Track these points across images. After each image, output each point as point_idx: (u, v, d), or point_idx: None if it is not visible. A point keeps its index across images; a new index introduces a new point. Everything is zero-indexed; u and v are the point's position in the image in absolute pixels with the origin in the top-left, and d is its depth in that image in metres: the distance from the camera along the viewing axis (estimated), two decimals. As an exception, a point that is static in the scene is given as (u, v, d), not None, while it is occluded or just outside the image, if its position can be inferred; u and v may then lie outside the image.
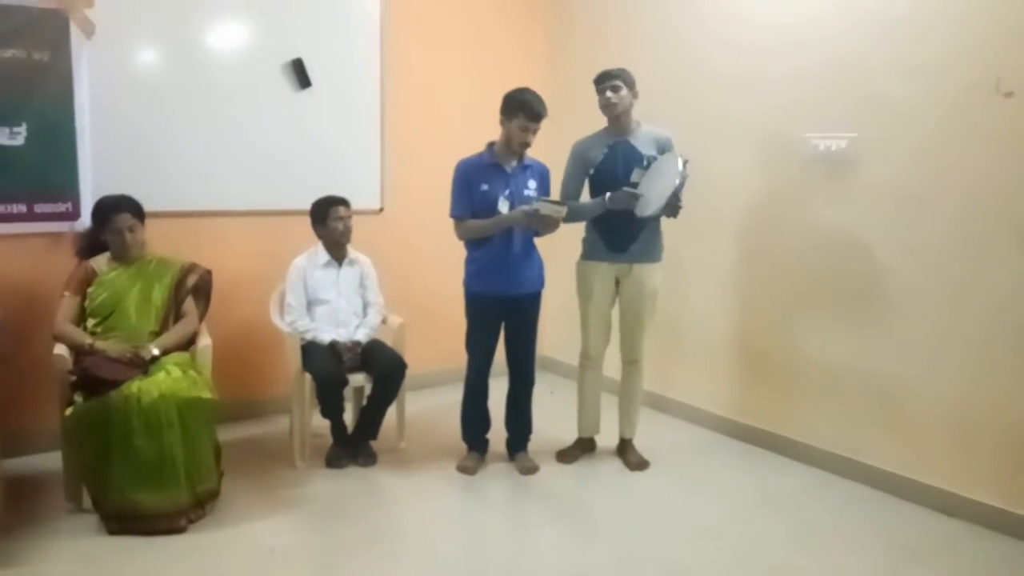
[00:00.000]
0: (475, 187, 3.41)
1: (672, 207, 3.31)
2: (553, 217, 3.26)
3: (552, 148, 3.78)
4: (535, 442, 3.76)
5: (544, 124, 3.40)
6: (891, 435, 3.46)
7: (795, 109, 3.71)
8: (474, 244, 3.50)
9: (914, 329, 3.35)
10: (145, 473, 2.86)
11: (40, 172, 3.51)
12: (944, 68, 3.17)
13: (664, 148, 3.51)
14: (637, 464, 3.71)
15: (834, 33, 3.53)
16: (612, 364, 3.78)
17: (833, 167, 3.58)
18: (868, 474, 3.52)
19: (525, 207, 3.31)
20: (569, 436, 3.87)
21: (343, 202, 3.73)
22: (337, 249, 3.74)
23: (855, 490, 3.51)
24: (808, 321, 3.75)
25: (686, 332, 4.35)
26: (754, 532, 3.13)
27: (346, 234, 3.73)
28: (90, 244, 3.34)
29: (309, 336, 3.63)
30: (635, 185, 3.40)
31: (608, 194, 3.40)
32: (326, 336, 3.63)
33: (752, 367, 4.05)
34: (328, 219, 3.68)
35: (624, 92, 3.45)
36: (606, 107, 3.46)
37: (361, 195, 4.23)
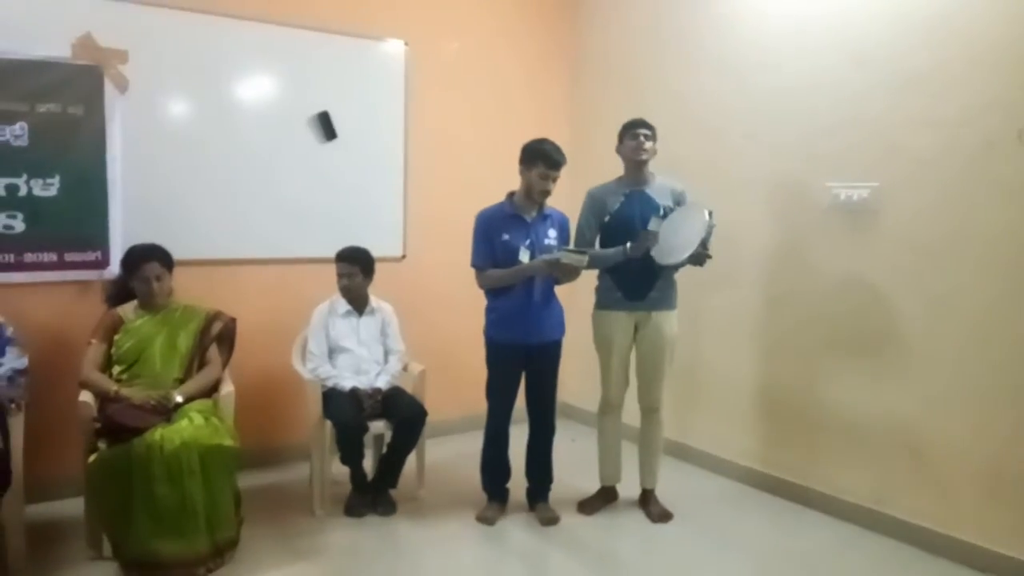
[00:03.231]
0: (496, 237, 3.44)
1: (699, 257, 3.32)
2: (574, 266, 3.28)
3: (571, 197, 3.81)
4: (556, 491, 3.72)
5: (562, 173, 3.45)
6: (919, 487, 3.39)
7: (817, 158, 3.73)
8: (495, 293, 3.52)
9: (939, 378, 3.30)
10: (166, 521, 2.87)
11: (71, 222, 3.60)
12: (966, 119, 3.18)
13: (679, 200, 3.54)
14: (659, 515, 3.66)
15: (857, 86, 3.55)
16: (633, 413, 3.75)
17: (855, 216, 3.58)
18: (896, 528, 3.44)
19: (546, 256, 3.33)
20: (590, 485, 3.83)
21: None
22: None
23: (883, 545, 3.42)
24: (831, 370, 3.71)
25: (706, 380, 4.32)
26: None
27: (351, 290, 3.74)
28: (118, 292, 3.40)
29: (330, 383, 3.64)
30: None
31: (628, 244, 3.41)
32: (347, 383, 3.65)
33: (774, 416, 4.00)
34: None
35: (652, 144, 3.50)
36: (636, 151, 3.49)
37: (384, 242, 4.31)
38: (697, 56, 4.33)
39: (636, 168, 3.53)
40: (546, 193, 3.43)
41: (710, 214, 3.30)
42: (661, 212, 3.47)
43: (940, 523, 3.31)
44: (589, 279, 3.64)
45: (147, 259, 3.30)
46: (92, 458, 2.94)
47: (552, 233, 3.50)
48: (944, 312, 3.28)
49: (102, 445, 2.96)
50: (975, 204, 3.17)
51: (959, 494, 3.25)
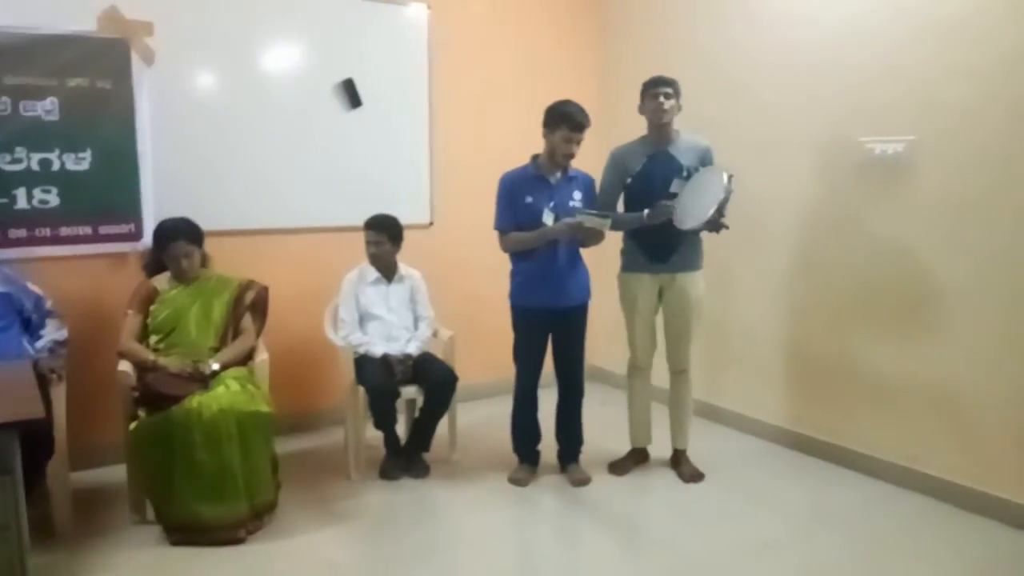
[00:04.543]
0: (519, 200, 3.43)
1: (715, 223, 3.27)
2: (597, 229, 3.25)
3: (599, 158, 3.77)
4: (587, 454, 3.75)
5: (589, 135, 3.41)
6: (954, 445, 3.35)
7: (850, 113, 3.64)
8: (519, 257, 3.51)
9: (976, 336, 3.25)
10: (206, 485, 2.94)
11: (104, 195, 3.66)
12: (1006, 71, 3.08)
13: (704, 158, 3.49)
14: (691, 476, 3.67)
15: (891, 37, 3.46)
16: (662, 374, 3.75)
17: (890, 171, 3.50)
18: (931, 485, 3.42)
19: (569, 219, 3.31)
20: (621, 447, 3.85)
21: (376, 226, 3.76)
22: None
23: (918, 502, 3.40)
24: (864, 329, 3.67)
25: (736, 340, 4.29)
26: (814, 546, 3.07)
27: (379, 258, 3.77)
28: (155, 261, 3.46)
29: (362, 350, 3.68)
30: (674, 196, 3.37)
31: (647, 211, 3.37)
32: (378, 349, 3.68)
33: (807, 376, 3.97)
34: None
35: (674, 101, 3.44)
36: (656, 112, 3.43)
37: (411, 210, 4.31)
38: (729, 10, 4.23)
39: (659, 128, 3.48)
40: (570, 156, 3.40)
41: (729, 179, 3.23)
42: (684, 173, 3.43)
43: (977, 480, 3.27)
44: (617, 241, 3.62)
45: (174, 238, 3.34)
46: (133, 426, 3.02)
47: (577, 195, 3.48)
48: (981, 268, 3.21)
49: (141, 413, 3.04)
50: (1015, 158, 3.08)
51: (997, 452, 3.21)
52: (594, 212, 3.29)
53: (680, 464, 3.74)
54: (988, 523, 3.19)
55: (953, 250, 3.31)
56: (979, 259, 3.22)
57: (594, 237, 3.33)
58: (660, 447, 3.83)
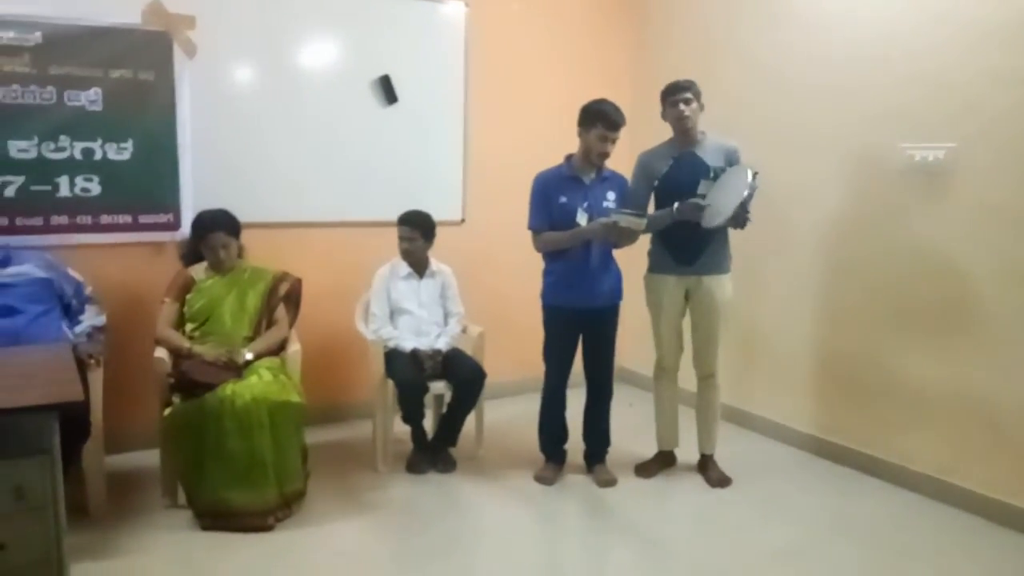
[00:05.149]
0: (553, 199, 3.43)
1: (739, 218, 3.25)
2: (632, 229, 3.25)
3: (632, 159, 3.76)
4: (614, 455, 3.74)
5: (624, 136, 3.40)
6: (990, 458, 3.29)
7: (891, 118, 3.59)
8: (552, 256, 3.52)
9: (1015, 348, 3.19)
10: (237, 472, 2.99)
11: (144, 185, 3.72)
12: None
13: (731, 158, 3.46)
14: (718, 481, 3.64)
15: (934, 43, 3.40)
16: (691, 378, 3.73)
17: (929, 178, 3.44)
18: (964, 498, 3.36)
19: (603, 219, 3.30)
20: (648, 450, 3.83)
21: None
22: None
23: (950, 515, 3.35)
24: (898, 336, 3.62)
25: (767, 346, 4.25)
26: (837, 557, 3.02)
27: (411, 253, 3.79)
28: (192, 251, 3.51)
29: (392, 344, 3.71)
30: (703, 197, 3.35)
31: (676, 204, 3.36)
32: (408, 344, 3.71)
33: (838, 383, 3.92)
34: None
35: (695, 105, 3.43)
36: (678, 120, 3.43)
37: (443, 206, 4.32)
38: (771, 11, 4.17)
39: (683, 132, 3.46)
40: (604, 155, 3.40)
41: (754, 176, 3.21)
42: (711, 174, 3.41)
43: (1011, 494, 3.21)
44: (646, 243, 3.61)
45: (212, 229, 3.39)
46: (167, 412, 3.08)
47: (611, 196, 3.47)
48: (1022, 278, 3.15)
49: (176, 399, 3.10)
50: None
51: (1032, 465, 3.16)
52: (629, 212, 3.28)
53: (707, 469, 3.71)
54: (1020, 538, 3.14)
55: (992, 259, 3.25)
56: (1019, 268, 3.16)
57: (628, 237, 3.32)
58: (688, 451, 3.81)
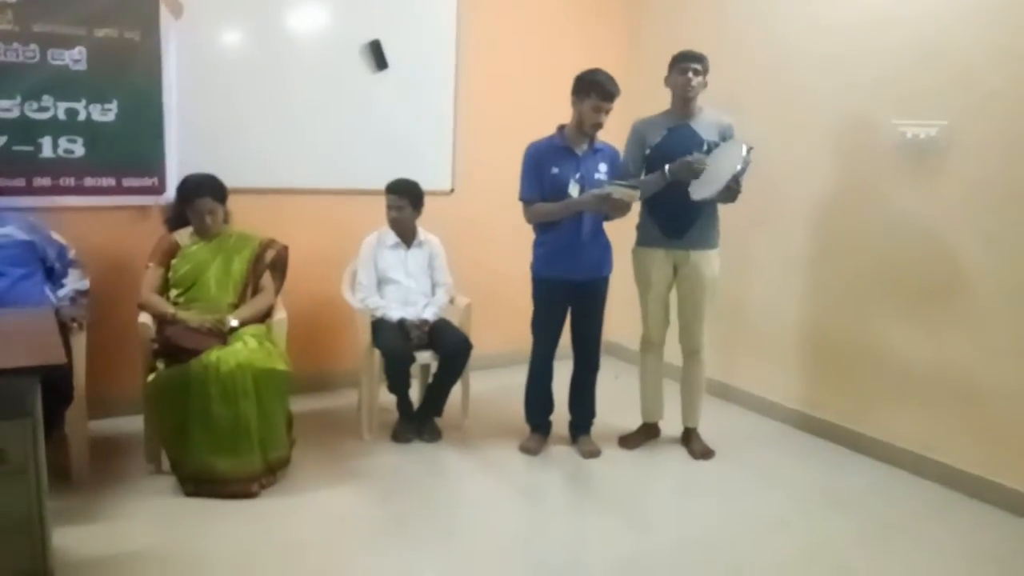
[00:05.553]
0: (545, 170, 3.40)
1: (731, 192, 3.24)
2: (624, 201, 3.23)
3: (625, 130, 3.73)
4: (598, 426, 3.76)
5: (616, 107, 3.37)
6: (969, 434, 3.33)
7: (884, 95, 3.58)
8: (543, 228, 3.50)
9: (1000, 328, 3.21)
10: (221, 439, 2.98)
11: (129, 147, 3.66)
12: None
13: (726, 134, 3.45)
14: (701, 453, 3.67)
15: (929, 20, 3.38)
16: (677, 352, 3.74)
17: (921, 156, 3.44)
18: (943, 473, 3.41)
19: (596, 191, 3.28)
20: (633, 422, 3.86)
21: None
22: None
23: (929, 489, 3.40)
24: (885, 313, 3.64)
25: (752, 320, 4.27)
26: (820, 528, 3.07)
27: (399, 222, 3.77)
28: (177, 216, 3.47)
29: (379, 313, 3.70)
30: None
31: (667, 166, 3.34)
32: (395, 314, 3.69)
33: (822, 358, 3.95)
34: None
35: (702, 78, 3.40)
36: (683, 87, 3.40)
37: (432, 176, 4.28)
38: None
39: (683, 102, 3.45)
40: (598, 126, 3.37)
41: (748, 150, 3.20)
42: (705, 147, 3.39)
43: (990, 470, 3.26)
44: (635, 215, 3.60)
45: (199, 194, 3.35)
46: (151, 377, 3.06)
47: (603, 167, 3.45)
48: (1010, 258, 3.17)
49: (160, 365, 3.07)
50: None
51: (1010, 442, 3.19)
52: (624, 183, 3.26)
53: (690, 441, 3.74)
54: (998, 512, 3.19)
55: (980, 238, 3.26)
56: (1006, 248, 3.18)
57: (620, 209, 3.31)
58: (672, 424, 3.84)
